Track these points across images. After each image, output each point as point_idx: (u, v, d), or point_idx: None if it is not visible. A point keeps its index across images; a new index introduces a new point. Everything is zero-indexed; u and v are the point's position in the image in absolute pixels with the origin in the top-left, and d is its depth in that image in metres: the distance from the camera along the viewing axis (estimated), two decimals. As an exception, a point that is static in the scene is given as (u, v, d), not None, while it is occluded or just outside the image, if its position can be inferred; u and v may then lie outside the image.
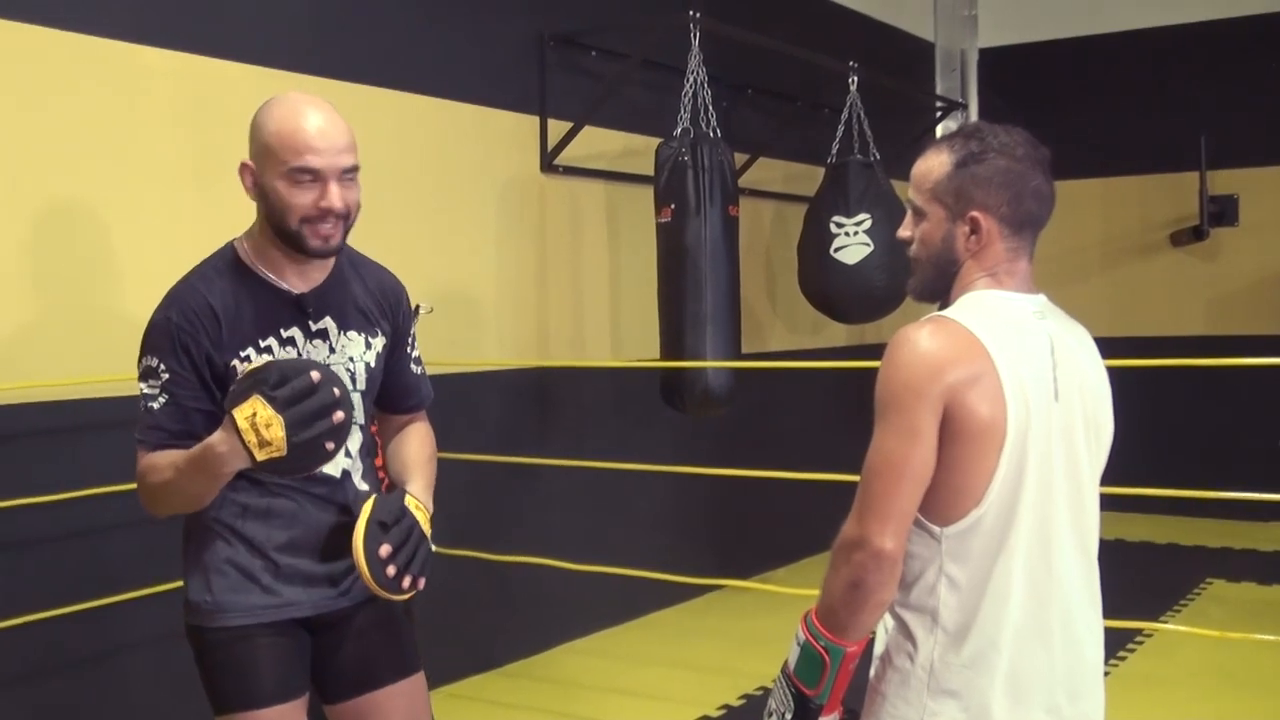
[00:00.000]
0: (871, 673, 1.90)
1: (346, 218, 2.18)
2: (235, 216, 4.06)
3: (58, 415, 3.65)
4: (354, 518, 2.20)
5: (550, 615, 5.28)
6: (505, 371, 5.11)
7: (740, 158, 6.23)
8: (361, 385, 2.29)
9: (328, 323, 2.25)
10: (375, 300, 2.35)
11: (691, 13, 4.98)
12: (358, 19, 4.57)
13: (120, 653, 3.82)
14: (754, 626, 5.56)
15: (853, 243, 5.69)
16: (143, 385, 2.15)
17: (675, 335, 4.90)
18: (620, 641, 5.47)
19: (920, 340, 1.76)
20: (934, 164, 1.86)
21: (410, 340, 2.46)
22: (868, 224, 5.68)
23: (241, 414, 1.98)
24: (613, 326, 5.60)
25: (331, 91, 4.40)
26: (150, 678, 3.87)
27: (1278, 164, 7.73)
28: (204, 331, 2.14)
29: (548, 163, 5.27)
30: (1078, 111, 8.20)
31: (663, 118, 5.22)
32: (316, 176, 2.12)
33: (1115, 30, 8.10)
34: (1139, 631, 5.08)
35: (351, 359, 2.27)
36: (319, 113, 2.17)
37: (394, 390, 2.43)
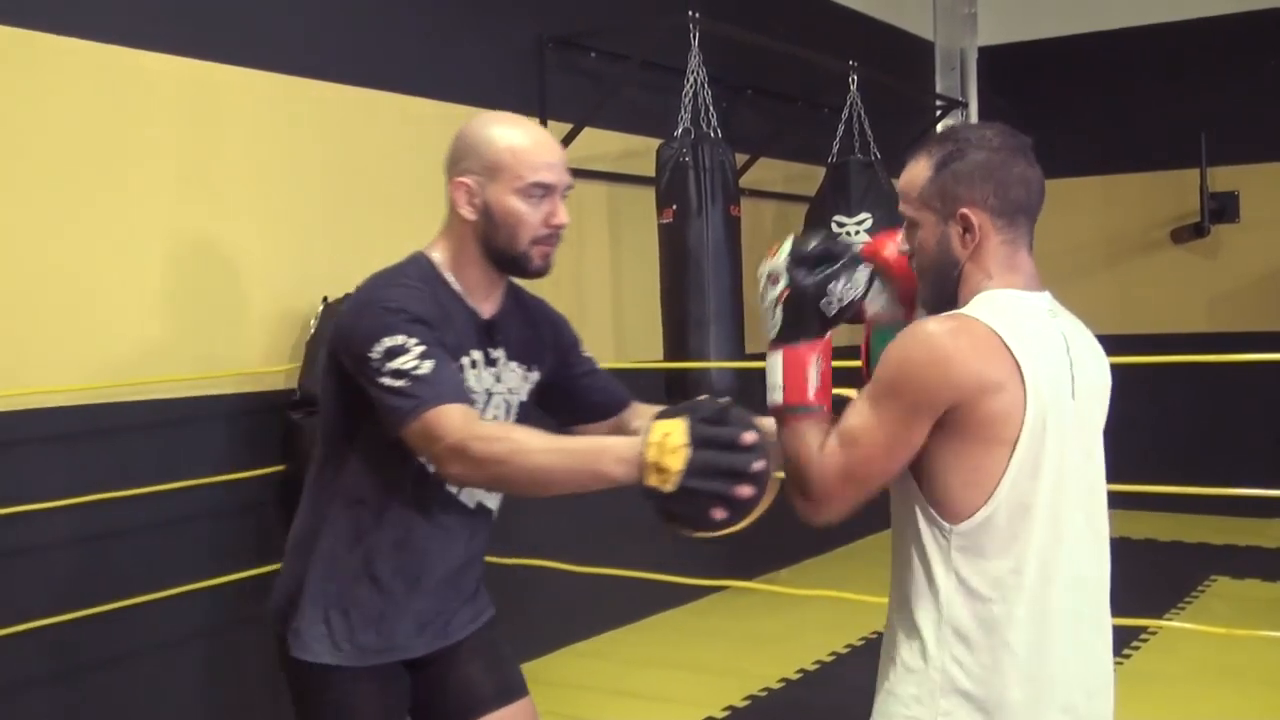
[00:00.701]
0: (880, 672, 1.89)
1: (561, 236, 2.14)
2: (232, 222, 4.10)
3: (62, 421, 3.65)
4: (474, 553, 2.23)
5: (552, 618, 5.27)
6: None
7: (741, 158, 6.22)
8: (514, 417, 2.23)
9: (501, 351, 2.20)
10: (538, 333, 2.30)
11: (691, 13, 4.98)
12: (357, 22, 4.56)
13: (127, 658, 3.82)
14: (757, 627, 5.55)
15: (855, 242, 5.68)
16: (392, 365, 1.93)
17: (678, 336, 4.90)
18: (623, 643, 5.46)
19: (943, 338, 1.74)
20: (916, 172, 1.85)
21: (582, 348, 2.40)
22: (869, 223, 5.69)
23: (663, 428, 1.73)
24: (615, 328, 5.59)
25: (330, 95, 4.41)
26: (157, 683, 3.87)
27: (1278, 160, 7.72)
28: (441, 329, 2.04)
29: (548, 164, 5.25)
30: (1078, 109, 8.20)
31: (663, 119, 5.23)
32: (548, 193, 2.08)
33: (1115, 27, 8.09)
34: (1143, 629, 5.07)
35: (511, 390, 2.22)
36: (542, 130, 2.17)
37: (596, 392, 2.38)
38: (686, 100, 5.00)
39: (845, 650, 5.17)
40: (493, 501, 2.23)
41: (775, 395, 1.83)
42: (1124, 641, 5.11)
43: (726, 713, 4.53)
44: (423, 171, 4.87)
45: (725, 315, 4.84)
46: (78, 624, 3.57)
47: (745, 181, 6.02)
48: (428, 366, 1.93)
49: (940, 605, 1.78)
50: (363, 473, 2.11)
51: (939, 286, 1.86)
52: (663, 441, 1.71)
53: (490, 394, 2.16)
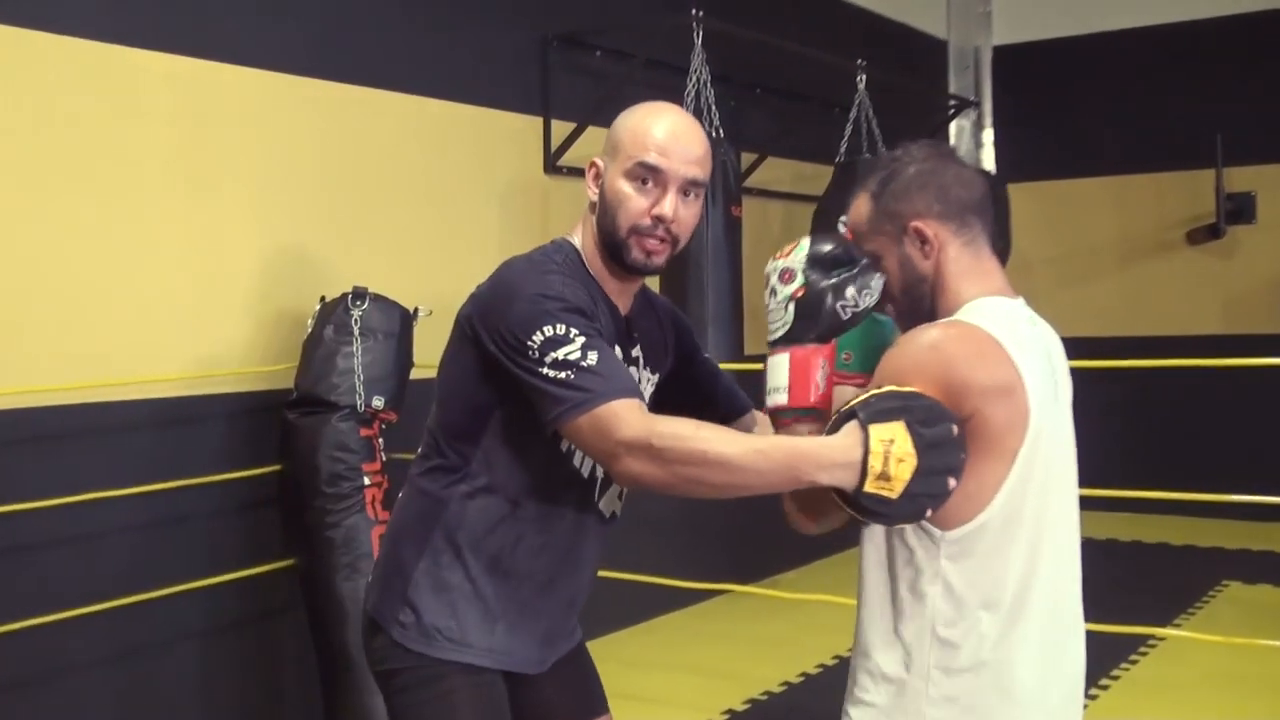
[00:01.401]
0: (853, 682, 1.87)
1: (676, 239, 1.98)
2: (230, 221, 4.09)
3: (58, 420, 3.65)
4: (596, 566, 2.15)
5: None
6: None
7: (749, 157, 6.20)
8: None
9: (639, 351, 2.10)
10: (664, 335, 2.20)
11: (694, 11, 4.95)
12: (359, 21, 4.54)
13: (122, 658, 3.81)
14: (760, 631, 5.51)
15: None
16: (554, 355, 1.81)
17: (678, 337, 4.86)
18: (625, 646, 5.43)
19: (950, 344, 1.73)
20: (859, 208, 1.88)
21: (704, 352, 2.30)
22: (876, 224, 5.62)
23: (881, 434, 1.63)
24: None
25: (333, 94, 4.39)
26: (152, 680, 3.87)
27: (1295, 161, 7.66)
28: (596, 321, 1.92)
29: (551, 164, 5.24)
30: (1093, 109, 8.13)
31: (667, 118, 5.18)
32: (657, 180, 1.93)
33: (1131, 27, 8.02)
34: (1150, 636, 5.01)
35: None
36: (681, 118, 2.00)
37: (718, 395, 2.27)
38: (689, 99, 4.96)
39: (847, 654, 5.09)
40: (619, 510, 2.14)
41: (778, 397, 1.81)
42: (1130, 648, 5.05)
43: (726, 716, 4.50)
44: (426, 171, 4.90)
45: (724, 317, 4.80)
46: (71, 623, 3.56)
47: (753, 181, 5.98)
48: (594, 358, 1.81)
49: (926, 613, 1.75)
50: (498, 463, 1.99)
51: (914, 307, 1.84)
52: (888, 451, 1.64)
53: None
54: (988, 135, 8.36)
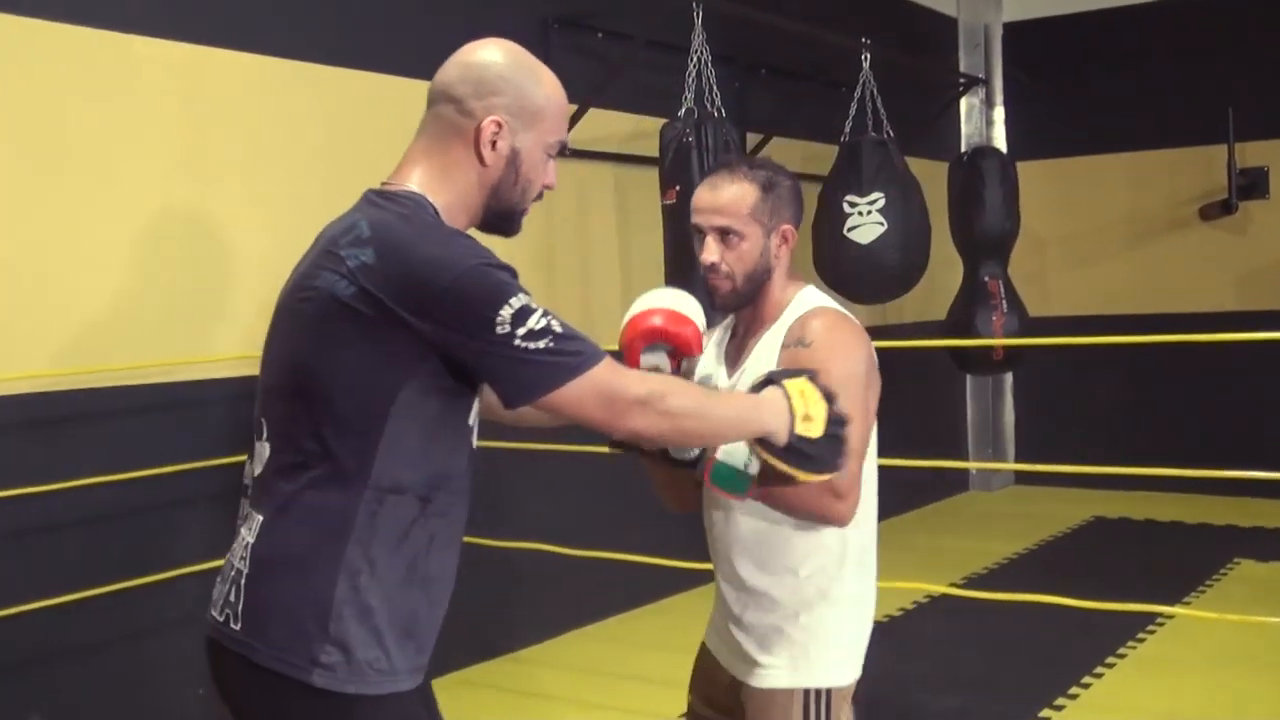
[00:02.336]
0: (796, 618, 2.20)
1: None
2: (229, 207, 4.09)
3: (50, 405, 3.67)
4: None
5: (561, 601, 5.26)
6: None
7: (754, 138, 6.18)
8: None
9: None
10: None
11: (695, -10, 4.93)
12: (359, 5, 4.54)
13: (111, 644, 3.83)
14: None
15: (866, 222, 5.62)
16: (526, 327, 1.71)
17: (682, 318, 4.85)
18: (633, 627, 5.44)
19: (852, 328, 2.19)
20: (741, 191, 2.19)
21: None
22: (881, 203, 5.61)
23: (794, 385, 1.91)
24: (622, 310, 5.51)
25: (330, 78, 4.39)
26: (150, 667, 3.89)
27: (1310, 135, 7.58)
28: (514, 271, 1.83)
29: (553, 146, 5.22)
30: (1103, 85, 8.07)
31: (669, 98, 5.17)
32: (559, 150, 1.93)
33: (1141, 2, 7.94)
34: (1158, 614, 4.99)
35: None
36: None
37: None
38: (690, 79, 4.94)
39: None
40: None
41: (754, 462, 2.00)
42: (1139, 626, 5.04)
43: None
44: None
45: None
46: (62, 609, 3.58)
47: (758, 162, 5.93)
48: (557, 323, 1.74)
49: (845, 538, 2.20)
50: (404, 457, 1.77)
51: (750, 288, 2.21)
52: (804, 394, 1.90)
53: None
54: (998, 113, 8.32)
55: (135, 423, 3.88)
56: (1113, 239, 8.19)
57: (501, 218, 1.90)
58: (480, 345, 1.72)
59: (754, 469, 1.95)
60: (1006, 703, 4.42)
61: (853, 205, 5.64)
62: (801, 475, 1.91)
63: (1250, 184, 7.63)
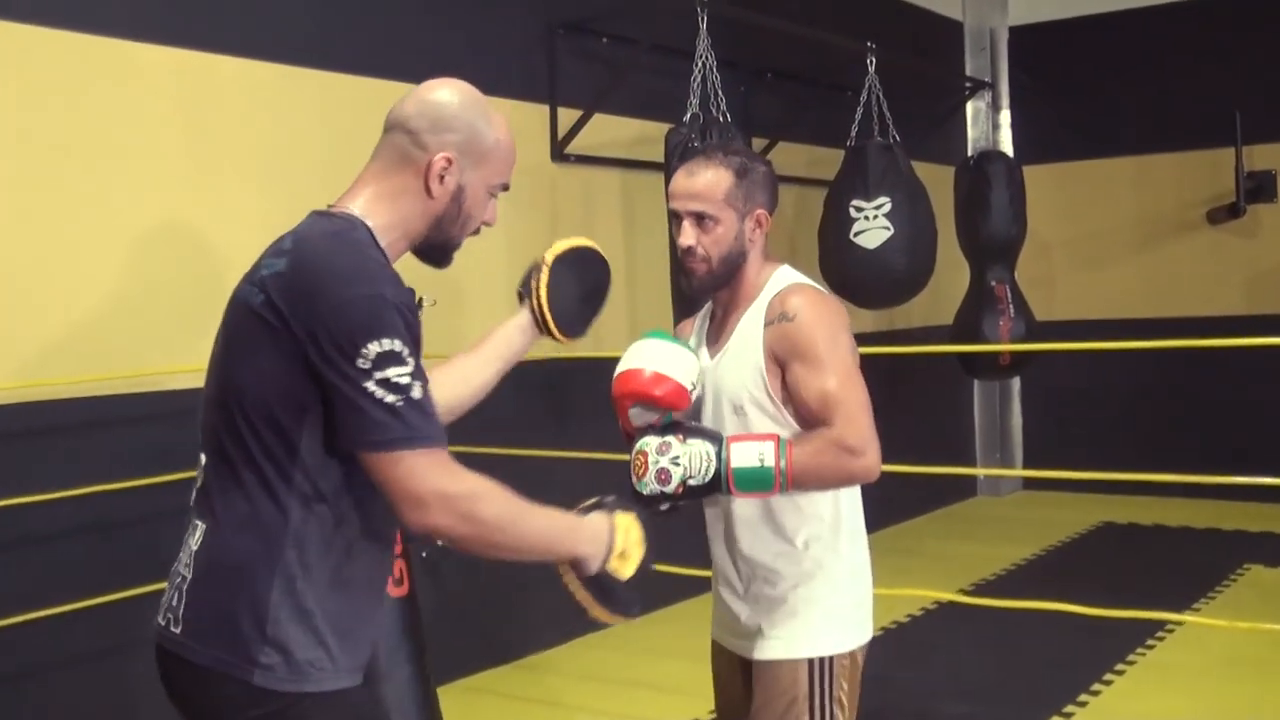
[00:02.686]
0: (797, 590, 2.29)
1: None
2: (231, 215, 4.08)
3: (67, 413, 3.66)
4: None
5: (570, 607, 5.21)
6: (517, 364, 5.06)
7: (760, 142, 6.16)
8: None
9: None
10: None
11: (700, -5, 4.91)
12: (362, 10, 4.53)
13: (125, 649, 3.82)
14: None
15: (872, 227, 5.60)
16: (389, 373, 1.71)
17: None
18: (642, 634, 5.40)
19: (832, 300, 2.30)
20: (716, 177, 2.28)
21: None
22: (887, 207, 5.59)
23: (624, 521, 1.96)
24: (629, 316, 5.54)
25: (337, 85, 4.38)
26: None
27: (1317, 138, 7.55)
28: (413, 313, 1.81)
29: (558, 152, 5.22)
30: (1110, 89, 8.05)
31: (675, 103, 5.16)
32: (501, 192, 2.02)
33: (1148, 5, 7.92)
34: (1166, 621, 4.96)
35: None
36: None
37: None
38: (695, 84, 4.93)
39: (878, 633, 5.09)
40: None
41: (768, 453, 2.15)
42: (1149, 632, 5.01)
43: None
44: (431, 160, 4.86)
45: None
46: (73, 616, 3.57)
47: (763, 166, 5.90)
48: (419, 390, 1.74)
49: (838, 512, 2.32)
50: (321, 466, 1.80)
51: (724, 274, 2.30)
52: (628, 531, 1.94)
53: None
54: (1004, 117, 8.31)
55: (141, 430, 3.86)
56: (1120, 243, 8.16)
57: (437, 249, 2.00)
58: (336, 371, 1.73)
59: (769, 460, 2.10)
60: (1015, 710, 4.39)
61: (859, 210, 5.62)
62: (594, 610, 1.94)
63: (1258, 187, 7.61)
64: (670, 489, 2.19)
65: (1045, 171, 7.93)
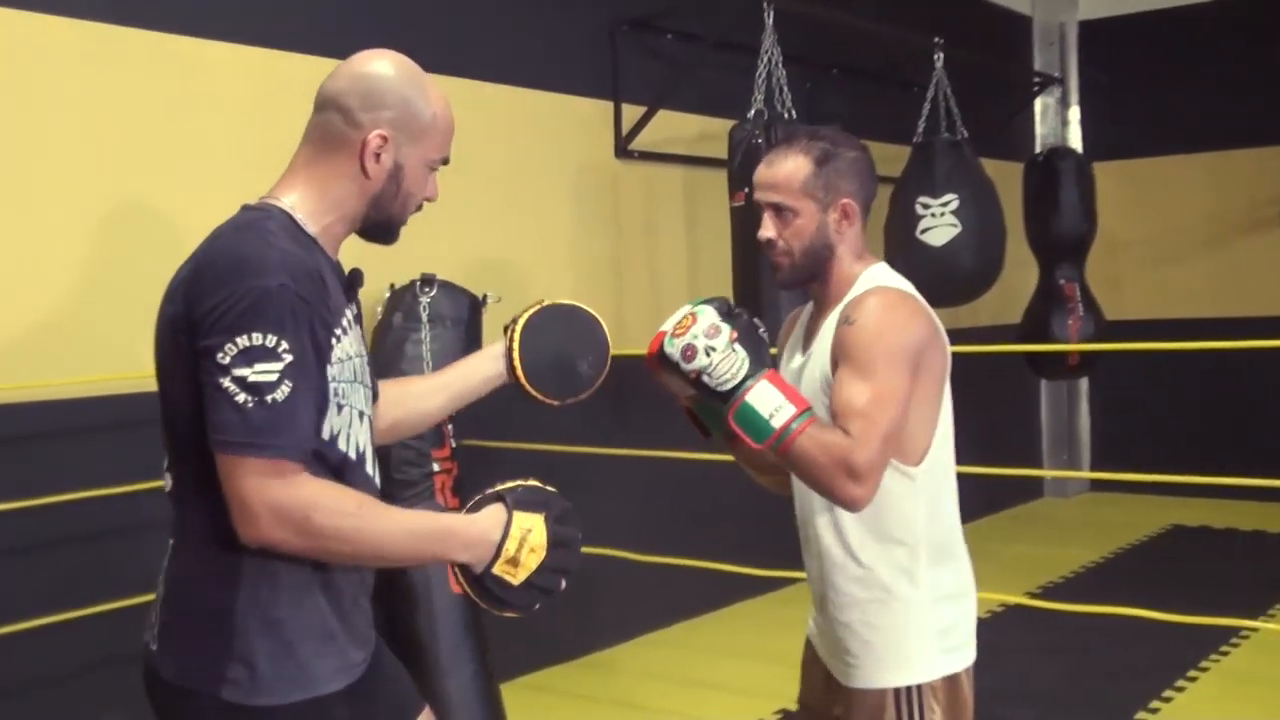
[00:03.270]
0: (859, 615, 2.16)
1: None
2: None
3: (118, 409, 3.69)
4: None
5: (628, 607, 5.23)
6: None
7: (824, 139, 6.10)
8: (368, 380, 1.95)
9: (358, 309, 1.98)
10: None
11: (765, -9, 4.87)
12: (430, 7, 4.54)
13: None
14: (839, 618, 5.44)
15: (939, 224, 5.53)
16: (248, 371, 1.66)
17: (750, 320, 4.81)
18: (698, 633, 5.40)
19: (909, 309, 2.10)
20: (794, 166, 2.15)
21: None
22: (954, 204, 5.52)
23: (523, 522, 1.80)
24: (691, 313, 5.52)
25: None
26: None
27: (1398, 133, 7.37)
28: (323, 304, 1.77)
29: (622, 148, 5.20)
30: (1181, 84, 7.90)
31: (739, 100, 5.12)
32: (441, 166, 1.94)
33: (1220, -2, 7.78)
34: (1241, 627, 4.85)
35: (362, 352, 1.94)
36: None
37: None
38: (760, 81, 4.89)
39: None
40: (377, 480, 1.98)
41: (784, 412, 1.97)
42: (1222, 639, 4.91)
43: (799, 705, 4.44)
44: (496, 157, 4.88)
45: (796, 300, 4.72)
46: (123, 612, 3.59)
47: (828, 163, 5.85)
48: (284, 392, 1.67)
49: (915, 537, 2.14)
50: None
51: (808, 268, 2.18)
52: (524, 538, 1.80)
53: (362, 355, 1.90)
54: (1073, 113, 8.19)
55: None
56: (1191, 241, 8.02)
57: (380, 227, 1.92)
58: (202, 364, 1.69)
59: (779, 420, 1.94)
60: (1083, 716, 4.33)
61: (926, 207, 5.56)
62: (483, 604, 1.82)
63: (1335, 184, 7.44)
64: (687, 368, 2.00)
65: (1115, 168, 7.79)
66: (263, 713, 1.77)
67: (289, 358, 1.68)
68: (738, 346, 1.99)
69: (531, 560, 1.80)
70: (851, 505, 2.00)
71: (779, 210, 2.16)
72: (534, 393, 2.11)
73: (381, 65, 1.87)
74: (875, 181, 2.23)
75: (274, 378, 1.67)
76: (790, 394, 1.99)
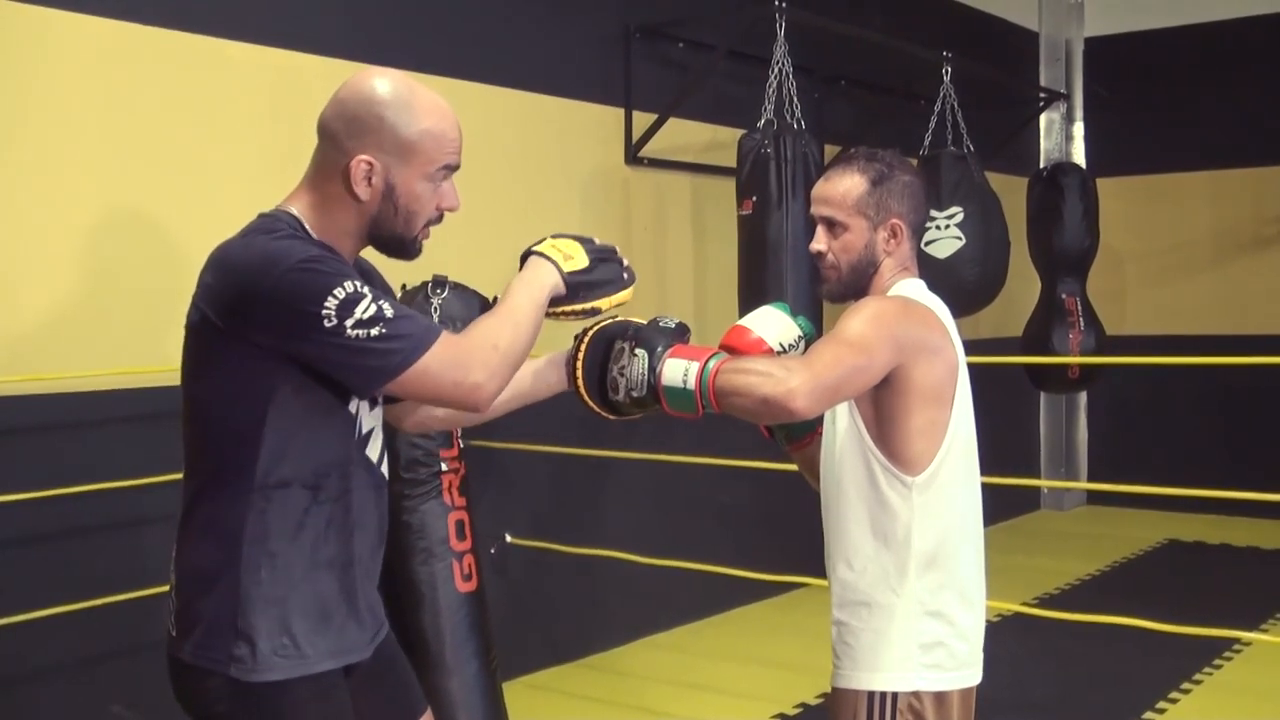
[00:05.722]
0: (846, 616, 2.22)
1: None
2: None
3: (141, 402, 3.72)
4: (383, 528, 2.03)
5: (631, 609, 5.27)
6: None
7: (832, 150, 6.16)
8: None
9: None
10: None
11: (777, 2, 4.92)
12: (442, 12, 4.59)
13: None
14: (837, 624, 5.48)
15: (944, 236, 5.59)
16: (354, 316, 1.76)
17: (757, 330, 4.85)
18: (701, 636, 5.44)
19: (910, 305, 2.17)
20: (850, 184, 2.24)
21: None
22: (959, 217, 5.57)
23: (543, 245, 2.01)
24: (697, 320, 5.56)
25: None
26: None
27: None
28: (345, 262, 1.88)
29: (632, 155, 5.25)
30: (1187, 102, 7.95)
31: (749, 109, 5.18)
32: (450, 174, 1.94)
33: (1223, 18, 7.82)
34: (1235, 640, 4.90)
35: None
36: (443, 101, 1.98)
37: None
38: (770, 91, 4.94)
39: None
40: (385, 468, 2.04)
41: (691, 371, 2.02)
42: (1216, 651, 4.95)
43: (799, 709, 4.49)
44: (508, 161, 4.93)
45: (803, 308, 4.77)
46: (121, 606, 3.62)
47: (835, 173, 5.90)
48: (389, 307, 1.79)
49: (907, 547, 2.17)
50: (289, 452, 1.86)
51: (853, 282, 2.26)
52: (556, 245, 2.01)
53: None
54: (1078, 128, 8.25)
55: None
56: (1194, 257, 8.07)
57: (388, 245, 1.96)
58: (315, 342, 1.78)
59: (690, 382, 2.00)
60: (1079, 725, 4.37)
61: (931, 219, 5.61)
62: (600, 303, 2.01)
63: (1337, 204, 7.49)
64: (620, 398, 2.06)
65: (1118, 184, 7.85)
66: (265, 689, 1.86)
67: (365, 289, 1.79)
68: (636, 350, 2.05)
69: (575, 248, 2.01)
70: (781, 402, 1.95)
71: (831, 224, 2.25)
72: (590, 404, 2.12)
73: (363, 89, 1.91)
74: (927, 206, 2.34)
75: (374, 308, 1.78)
76: (694, 353, 2.03)
